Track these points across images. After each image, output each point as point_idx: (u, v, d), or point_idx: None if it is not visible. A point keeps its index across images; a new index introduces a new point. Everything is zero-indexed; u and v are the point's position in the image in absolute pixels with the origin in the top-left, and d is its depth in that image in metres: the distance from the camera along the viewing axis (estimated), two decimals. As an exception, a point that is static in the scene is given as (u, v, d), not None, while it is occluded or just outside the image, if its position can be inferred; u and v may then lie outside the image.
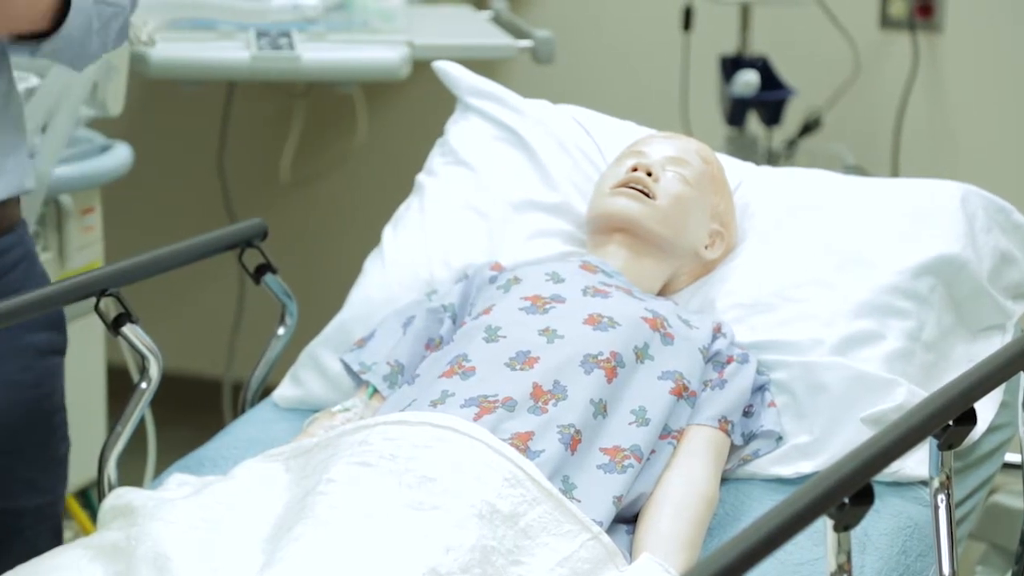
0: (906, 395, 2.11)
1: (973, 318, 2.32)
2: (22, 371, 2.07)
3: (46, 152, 2.71)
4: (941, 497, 1.85)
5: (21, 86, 2.69)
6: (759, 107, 3.44)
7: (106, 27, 2.04)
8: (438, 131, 2.58)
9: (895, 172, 3.58)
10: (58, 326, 2.14)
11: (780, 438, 2.13)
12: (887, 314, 2.21)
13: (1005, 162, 3.59)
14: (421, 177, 2.54)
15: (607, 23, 3.79)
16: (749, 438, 2.12)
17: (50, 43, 2.00)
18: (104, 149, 2.97)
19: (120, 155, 2.97)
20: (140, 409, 2.14)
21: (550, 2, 3.83)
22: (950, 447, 1.84)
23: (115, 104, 2.89)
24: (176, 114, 3.86)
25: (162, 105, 3.81)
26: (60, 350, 2.16)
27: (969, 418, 1.82)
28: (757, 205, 2.44)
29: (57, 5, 1.98)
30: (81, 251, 2.91)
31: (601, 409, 2.00)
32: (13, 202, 2.08)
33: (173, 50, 3.08)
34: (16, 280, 2.05)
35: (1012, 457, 2.44)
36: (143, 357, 2.13)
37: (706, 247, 2.33)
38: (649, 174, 2.29)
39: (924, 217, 2.34)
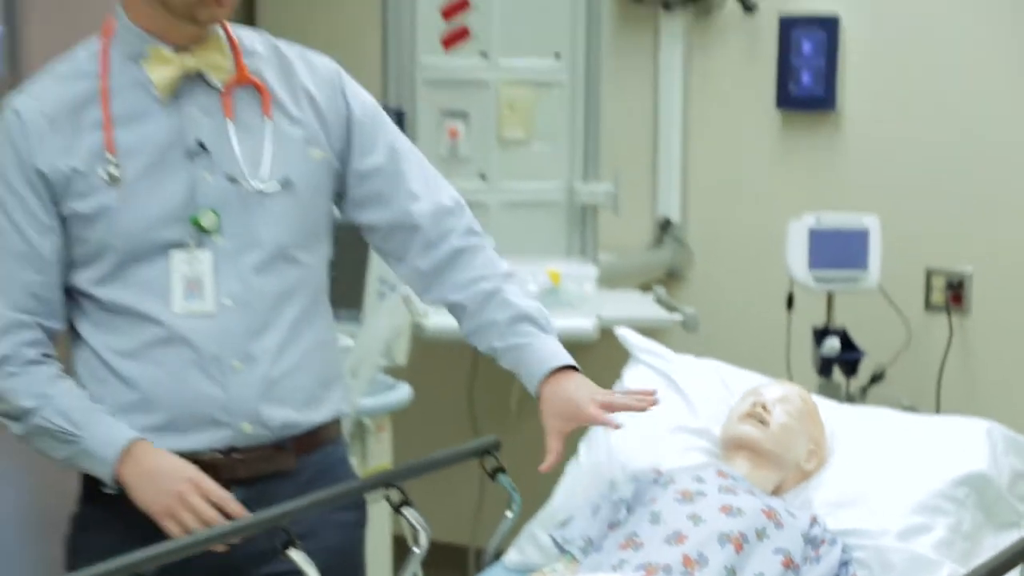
0: (950, 573, 2.07)
1: (997, 517, 2.26)
2: (339, 541, 2.05)
3: (355, 389, 2.77)
4: (978, 649, 1.80)
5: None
6: (841, 364, 3.39)
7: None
8: (618, 375, 2.59)
9: (938, 410, 3.50)
10: (362, 507, 2.14)
11: (861, 600, 2.09)
12: (935, 513, 2.17)
13: (1020, 406, 3.50)
14: (606, 408, 2.55)
15: (733, 304, 3.79)
16: (839, 600, 2.08)
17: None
18: (392, 387, 3.02)
19: (403, 392, 3.02)
20: (413, 568, 2.13)
21: (695, 288, 3.84)
22: (983, 611, 1.79)
23: (401, 357, 2.95)
24: (442, 365, 3.89)
25: (433, 359, 3.83)
26: (362, 524, 2.16)
27: (996, 590, 1.78)
28: (841, 432, 2.41)
29: None
30: (376, 457, 2.95)
31: (732, 574, 1.98)
32: (336, 422, 2.08)
33: (440, 322, 3.08)
34: (337, 476, 2.06)
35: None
36: (416, 530, 2.13)
37: (805, 461, 2.31)
38: (764, 409, 2.29)
39: (960, 444, 2.31)
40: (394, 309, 2.76)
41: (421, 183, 2.01)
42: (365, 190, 1.99)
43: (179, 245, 1.86)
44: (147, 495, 1.84)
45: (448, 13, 3.31)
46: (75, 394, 1.88)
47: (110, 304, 1.87)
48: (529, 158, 3.34)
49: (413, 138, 3.25)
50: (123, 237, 1.84)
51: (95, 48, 1.88)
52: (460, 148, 3.31)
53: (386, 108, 3.21)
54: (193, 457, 1.89)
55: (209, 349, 1.87)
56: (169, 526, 1.83)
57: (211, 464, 1.89)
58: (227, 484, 1.89)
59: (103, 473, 1.86)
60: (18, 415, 1.87)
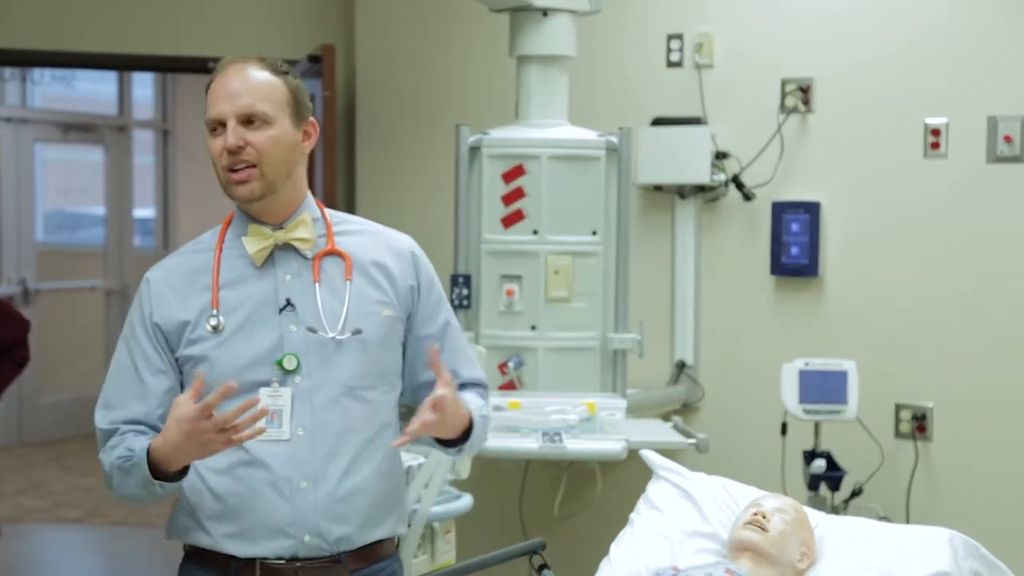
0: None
1: (960, 608, 2.18)
2: None
3: (427, 499, 2.73)
4: None
5: (416, 462, 2.74)
6: (826, 480, 3.32)
7: (485, 428, 1.97)
8: (642, 490, 2.54)
9: (908, 521, 3.41)
10: None
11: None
12: (907, 605, 2.09)
13: (979, 518, 3.39)
14: (632, 515, 2.49)
15: (737, 430, 3.73)
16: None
17: (465, 448, 1.94)
18: (457, 497, 2.98)
19: (466, 501, 2.97)
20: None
21: (706, 418, 3.78)
22: None
23: (464, 472, 2.92)
24: (498, 479, 3.85)
25: (490, 474, 3.80)
26: None
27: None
28: (828, 537, 2.34)
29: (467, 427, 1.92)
30: (443, 555, 2.89)
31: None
32: (391, 540, 1.97)
33: (497, 444, 3.10)
34: None
35: None
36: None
37: (799, 561, 2.24)
38: (764, 517, 2.23)
39: (926, 549, 2.23)
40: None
41: (465, 362, 2.00)
42: (420, 351, 1.95)
43: (266, 383, 1.84)
44: (189, 455, 1.75)
45: (507, 199, 3.34)
46: (141, 437, 1.82)
47: None
48: (570, 313, 3.34)
49: (477, 297, 3.32)
50: (222, 377, 1.81)
51: (218, 229, 1.94)
52: (515, 304, 3.31)
53: (456, 273, 3.33)
54: (260, 562, 1.84)
55: (282, 471, 1.83)
56: (218, 449, 1.74)
57: (275, 569, 1.84)
58: None
59: (147, 472, 1.77)
60: (109, 470, 1.83)
